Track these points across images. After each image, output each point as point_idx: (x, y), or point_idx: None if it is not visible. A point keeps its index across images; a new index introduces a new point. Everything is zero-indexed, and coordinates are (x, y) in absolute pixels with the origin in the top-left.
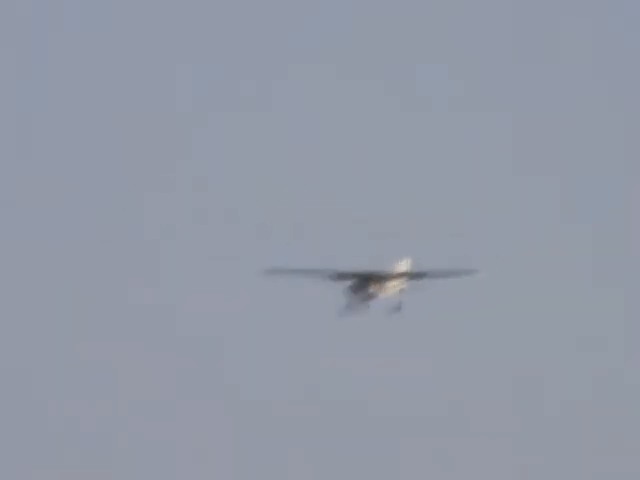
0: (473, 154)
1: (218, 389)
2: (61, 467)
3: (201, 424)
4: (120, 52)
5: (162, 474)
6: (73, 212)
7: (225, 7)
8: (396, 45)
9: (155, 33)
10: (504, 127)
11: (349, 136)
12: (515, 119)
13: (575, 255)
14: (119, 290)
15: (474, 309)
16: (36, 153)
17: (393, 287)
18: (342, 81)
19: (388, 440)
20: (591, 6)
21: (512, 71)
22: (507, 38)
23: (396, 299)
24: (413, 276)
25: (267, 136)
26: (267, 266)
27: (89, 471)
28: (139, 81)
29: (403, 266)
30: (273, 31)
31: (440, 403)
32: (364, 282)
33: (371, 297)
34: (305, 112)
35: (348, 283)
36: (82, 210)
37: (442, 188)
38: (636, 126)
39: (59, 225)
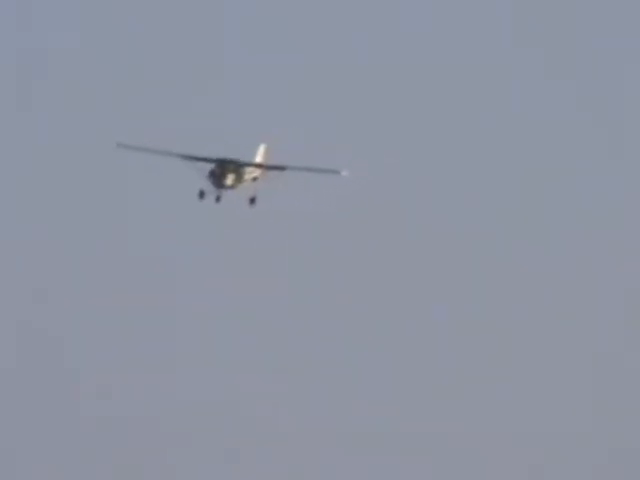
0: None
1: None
2: None
3: None
4: None
5: None
6: None
7: None
8: None
9: None
10: None
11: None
12: None
13: None
14: None
15: (333, 209)
16: None
17: (250, 176)
18: None
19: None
20: None
21: None
22: None
23: (252, 190)
24: (272, 168)
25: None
26: (119, 140)
27: None
28: None
29: (260, 154)
30: None
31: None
32: (222, 169)
33: (228, 185)
34: None
35: (207, 168)
36: None
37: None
38: None
39: None
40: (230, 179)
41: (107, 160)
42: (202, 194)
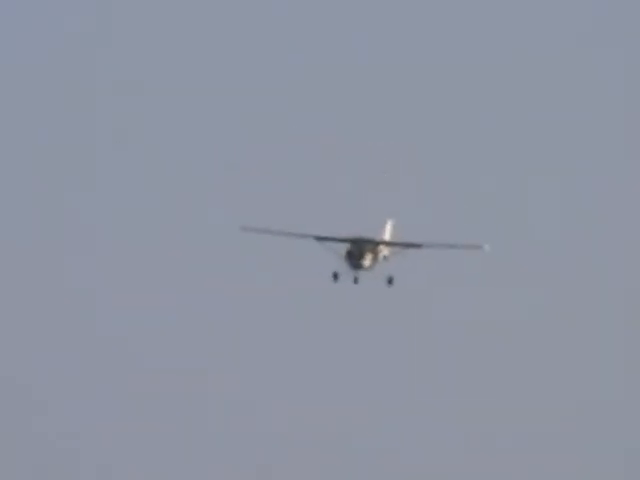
0: None
1: None
2: None
3: None
4: None
5: None
6: None
7: None
8: None
9: None
10: None
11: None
12: None
13: None
14: None
15: (473, 283)
16: None
17: (383, 255)
18: None
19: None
20: None
21: None
22: None
23: (387, 270)
24: (408, 245)
25: None
26: (242, 223)
27: None
28: None
29: (388, 231)
30: None
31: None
32: (359, 249)
33: (366, 266)
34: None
35: (341, 248)
36: None
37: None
38: None
39: None
40: (368, 259)
41: (234, 245)
42: (336, 276)
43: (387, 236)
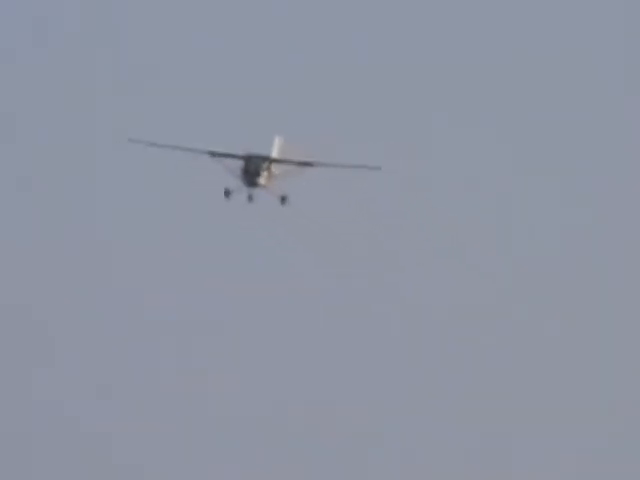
0: None
1: None
2: None
3: None
4: None
5: None
6: None
7: None
8: None
9: None
10: None
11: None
12: None
13: None
14: None
15: (369, 205)
16: None
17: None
18: None
19: None
20: None
21: None
22: None
23: (281, 188)
24: (302, 164)
25: None
26: (130, 134)
27: None
28: None
29: (277, 148)
30: None
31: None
32: (256, 166)
33: (261, 184)
34: None
35: (234, 165)
36: None
37: None
38: None
39: None
40: (264, 177)
41: (119, 157)
42: (228, 193)
43: (277, 153)
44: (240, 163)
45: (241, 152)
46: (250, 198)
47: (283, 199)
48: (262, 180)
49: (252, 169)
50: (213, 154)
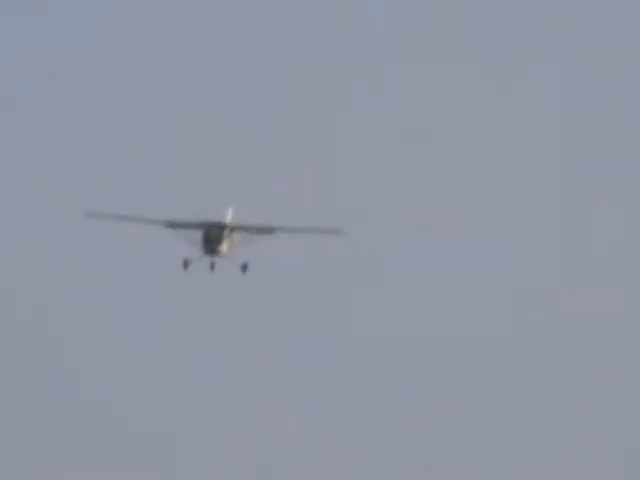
0: None
1: None
2: None
3: None
4: None
5: None
6: None
7: None
8: None
9: None
10: None
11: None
12: None
13: None
14: None
15: (332, 270)
16: None
17: (237, 241)
18: None
19: None
20: None
21: None
22: None
23: (241, 256)
24: (262, 231)
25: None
26: (88, 209)
27: None
28: None
29: (230, 217)
30: None
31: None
32: (218, 233)
33: (223, 252)
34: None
35: (199, 233)
36: None
37: None
38: None
39: None
40: (226, 245)
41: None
42: (186, 264)
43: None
44: (199, 232)
45: (199, 220)
46: (212, 266)
47: (244, 267)
48: (224, 247)
49: (213, 236)
50: (170, 224)
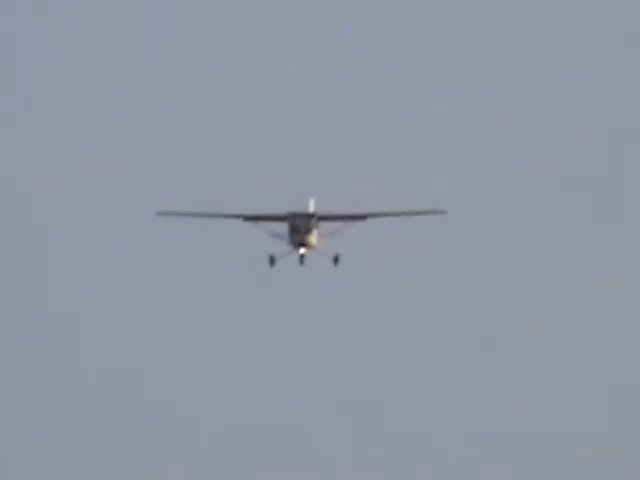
0: None
1: None
2: None
3: None
4: None
5: None
6: None
7: None
8: None
9: None
10: None
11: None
12: None
13: None
14: None
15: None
16: None
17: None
18: None
19: None
20: None
21: None
22: None
23: (331, 247)
24: (353, 218)
25: None
26: (159, 208)
27: None
28: None
29: (312, 207)
30: None
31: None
32: (306, 224)
33: (312, 244)
34: None
35: (276, 228)
36: None
37: None
38: None
39: None
40: (315, 236)
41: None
42: (273, 260)
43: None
44: (284, 224)
45: (283, 212)
46: (301, 260)
47: (336, 259)
48: (313, 239)
49: (302, 227)
50: (249, 218)
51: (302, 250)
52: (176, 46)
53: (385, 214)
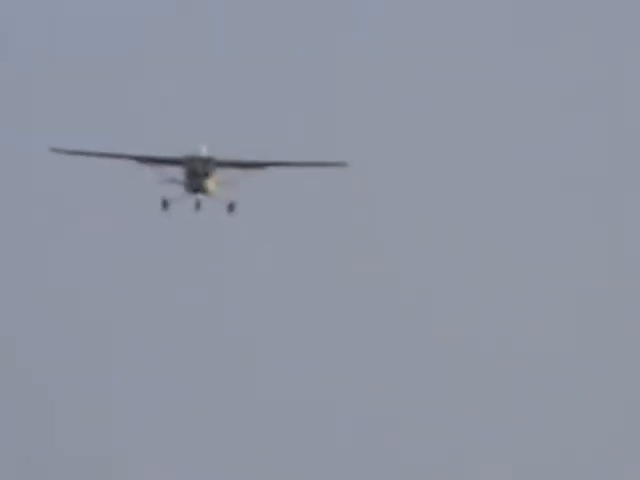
0: None
1: None
2: None
3: None
4: None
5: None
6: None
7: None
8: None
9: None
10: None
11: None
12: None
13: None
14: None
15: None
16: None
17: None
18: None
19: None
20: None
21: None
22: None
23: (227, 195)
24: (251, 166)
25: None
26: (55, 144)
27: None
28: None
29: (202, 152)
30: None
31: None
32: (204, 168)
33: (210, 190)
34: None
35: (170, 171)
36: None
37: None
38: None
39: None
40: (213, 181)
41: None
42: (166, 204)
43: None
44: (179, 168)
45: (179, 155)
46: (197, 205)
47: (231, 206)
48: (211, 184)
49: (200, 171)
50: (143, 159)
51: (198, 195)
52: None
53: (285, 164)
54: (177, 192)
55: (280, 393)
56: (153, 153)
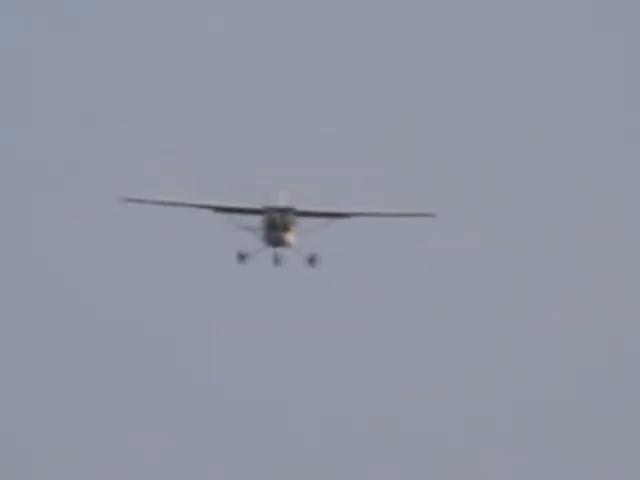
0: None
1: None
2: None
3: None
4: None
5: None
6: None
7: None
8: None
9: None
10: None
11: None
12: None
13: None
14: None
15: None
16: None
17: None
18: None
19: None
20: None
21: None
22: None
23: (308, 247)
24: (335, 216)
25: None
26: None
27: None
28: None
29: (282, 200)
30: None
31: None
32: (283, 220)
33: (289, 243)
34: None
35: (249, 221)
36: None
37: None
38: None
39: None
40: (293, 234)
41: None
42: (242, 257)
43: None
44: (259, 218)
45: (258, 205)
46: (277, 260)
47: (312, 260)
48: (291, 237)
49: (280, 224)
50: (220, 209)
51: (277, 249)
52: None
53: (369, 214)
54: (254, 245)
55: None
56: (231, 203)
